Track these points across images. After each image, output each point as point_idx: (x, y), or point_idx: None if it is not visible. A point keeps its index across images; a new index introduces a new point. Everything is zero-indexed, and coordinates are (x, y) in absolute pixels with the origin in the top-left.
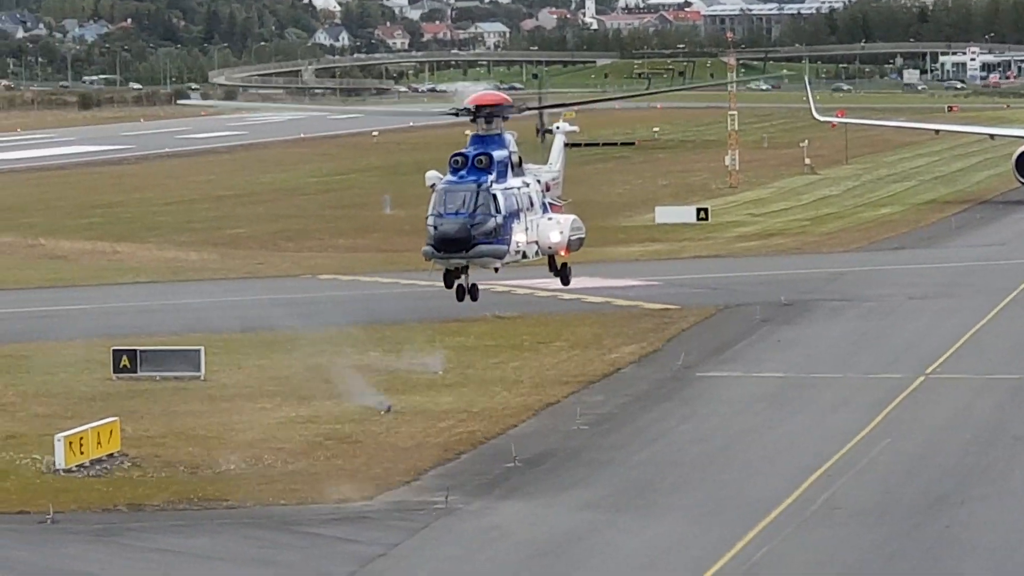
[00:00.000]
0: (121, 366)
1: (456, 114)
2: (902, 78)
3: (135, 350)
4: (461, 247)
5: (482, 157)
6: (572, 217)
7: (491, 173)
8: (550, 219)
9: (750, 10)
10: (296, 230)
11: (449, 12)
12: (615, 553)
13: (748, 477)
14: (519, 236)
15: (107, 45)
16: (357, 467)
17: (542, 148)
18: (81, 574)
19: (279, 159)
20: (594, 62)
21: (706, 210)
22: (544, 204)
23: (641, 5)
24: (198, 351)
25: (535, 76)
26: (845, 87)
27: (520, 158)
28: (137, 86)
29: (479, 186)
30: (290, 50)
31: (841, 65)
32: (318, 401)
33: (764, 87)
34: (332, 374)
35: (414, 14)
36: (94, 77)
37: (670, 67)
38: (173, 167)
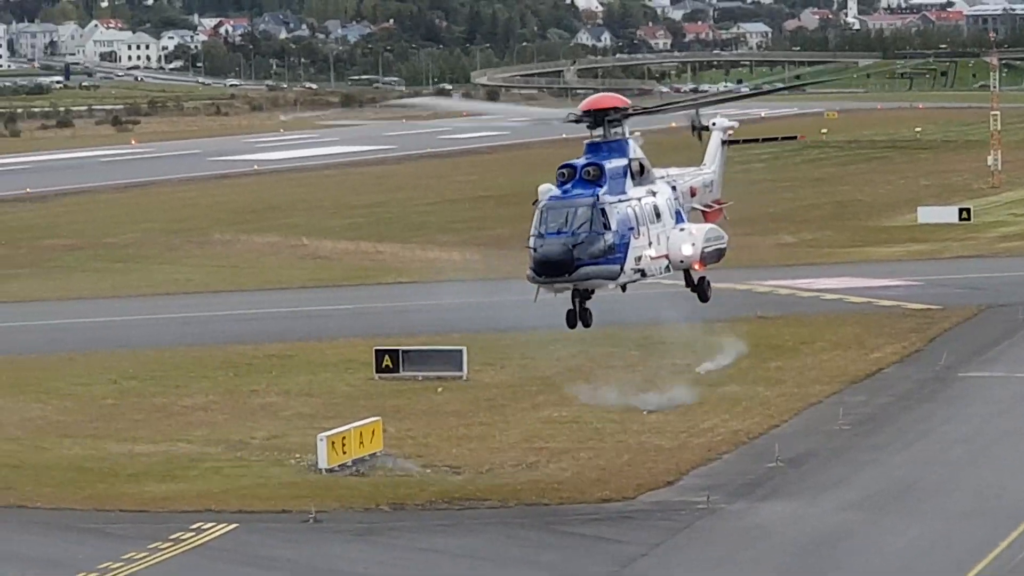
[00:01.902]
0: (383, 366)
1: (575, 121)
2: None
3: (397, 350)
4: (563, 270)
5: (591, 168)
6: (708, 227)
7: (602, 185)
8: (682, 230)
9: (1013, 9)
10: None
11: (711, 12)
12: (877, 553)
13: (1011, 478)
14: (640, 252)
15: (369, 46)
16: (619, 467)
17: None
18: (344, 573)
19: (541, 160)
20: (856, 63)
21: (968, 210)
22: (679, 213)
23: (903, 5)
24: (460, 351)
25: (797, 77)
26: None
27: (642, 165)
28: (448, 86)
29: (586, 201)
30: (552, 50)
31: None
32: (580, 401)
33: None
34: (595, 374)
35: (676, 14)
36: (392, 78)
37: (932, 67)
38: (435, 167)
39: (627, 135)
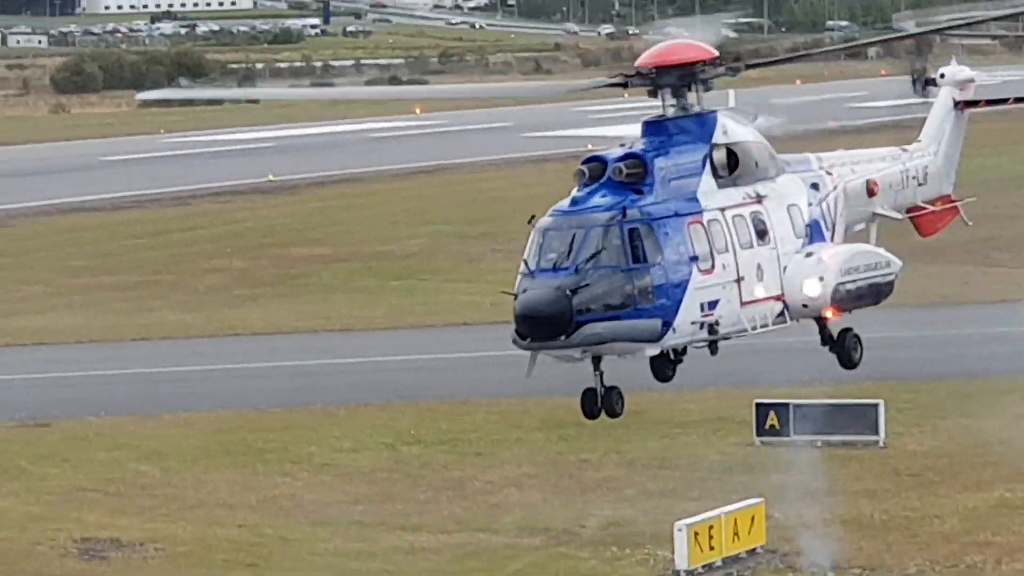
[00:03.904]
0: (767, 426)
1: (625, 84)
2: None
3: (786, 404)
4: (556, 329)
5: (624, 165)
6: (854, 249)
7: (641, 191)
8: (808, 256)
9: None
10: (1013, 236)
11: None
12: None
13: None
14: (712, 296)
15: None
16: None
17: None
18: None
19: (983, 138)
20: None
21: None
22: (816, 226)
23: None
24: (875, 406)
25: None
26: None
27: (734, 154)
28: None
29: (602, 218)
30: None
31: None
32: None
33: None
34: None
35: None
36: (843, 22)
37: None
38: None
39: (713, 107)
